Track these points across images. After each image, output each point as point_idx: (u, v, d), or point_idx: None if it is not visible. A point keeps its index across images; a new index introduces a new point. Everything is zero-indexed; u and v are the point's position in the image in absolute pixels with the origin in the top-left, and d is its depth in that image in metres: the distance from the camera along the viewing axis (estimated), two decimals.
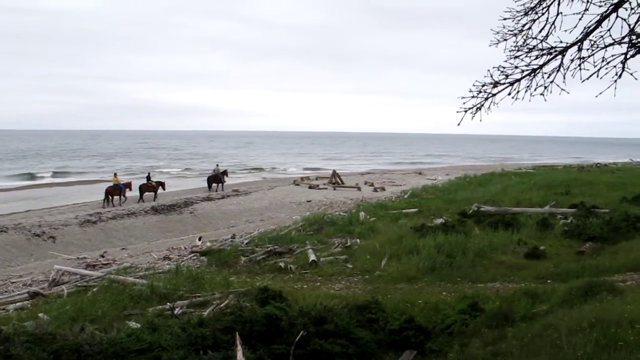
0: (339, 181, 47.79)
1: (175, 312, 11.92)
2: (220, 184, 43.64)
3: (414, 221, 22.56)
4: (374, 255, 17.24)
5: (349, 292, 13.69)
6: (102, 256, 21.39)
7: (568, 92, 5.08)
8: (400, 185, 46.86)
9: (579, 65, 4.95)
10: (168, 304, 12.47)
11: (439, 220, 22.05)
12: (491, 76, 5.29)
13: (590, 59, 4.88)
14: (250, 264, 17.58)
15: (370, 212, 26.43)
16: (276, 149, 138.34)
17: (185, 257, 19.65)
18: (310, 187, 44.78)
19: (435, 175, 58.68)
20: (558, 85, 5.15)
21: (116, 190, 35.80)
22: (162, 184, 39.44)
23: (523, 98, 5.31)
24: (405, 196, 34.94)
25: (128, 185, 37.46)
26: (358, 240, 19.88)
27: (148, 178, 39.77)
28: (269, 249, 18.88)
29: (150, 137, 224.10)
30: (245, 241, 21.15)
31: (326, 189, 44.32)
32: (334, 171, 49.92)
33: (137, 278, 15.37)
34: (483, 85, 5.32)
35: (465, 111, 5.37)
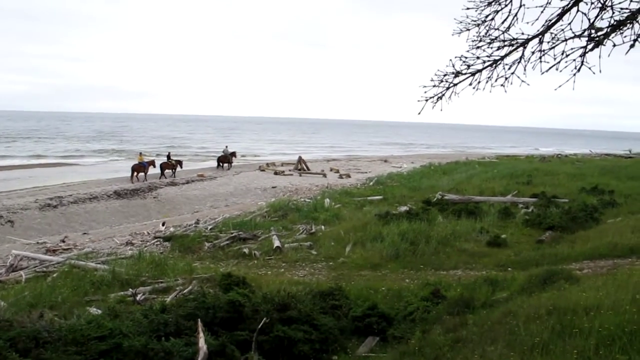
0: (305, 167, 47.77)
1: (138, 298, 11.84)
2: (229, 164, 48.17)
3: (378, 208, 22.71)
4: (338, 242, 17.34)
5: (312, 279, 13.77)
6: (63, 241, 21.02)
7: (528, 84, 5.14)
8: (366, 173, 47.08)
9: (540, 57, 5.02)
10: (130, 290, 12.38)
11: (403, 208, 22.26)
12: (453, 66, 5.32)
13: (551, 52, 4.95)
14: (214, 250, 17.52)
15: (335, 199, 26.53)
16: (247, 135, 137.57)
17: (148, 243, 19.47)
18: (275, 173, 44.67)
19: (400, 163, 59.08)
20: (518, 77, 5.21)
21: (141, 167, 39.37)
22: (180, 163, 43.46)
23: (484, 89, 5.35)
24: (371, 183, 35.15)
25: (152, 163, 41.10)
26: (323, 227, 19.95)
27: (168, 157, 44.62)
28: (233, 234, 18.83)
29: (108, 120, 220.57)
30: (210, 227, 21.04)
31: (292, 175, 44.25)
32: (300, 157, 49.89)
33: (99, 264, 15.19)
34: (445, 75, 5.34)
35: (426, 100, 5.40)
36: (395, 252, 15.58)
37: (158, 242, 19.37)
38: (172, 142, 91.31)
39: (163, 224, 23.04)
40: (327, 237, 18.16)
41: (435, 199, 24.60)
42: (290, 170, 46.52)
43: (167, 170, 41.68)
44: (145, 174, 39.57)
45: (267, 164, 51.76)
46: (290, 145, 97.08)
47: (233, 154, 50.06)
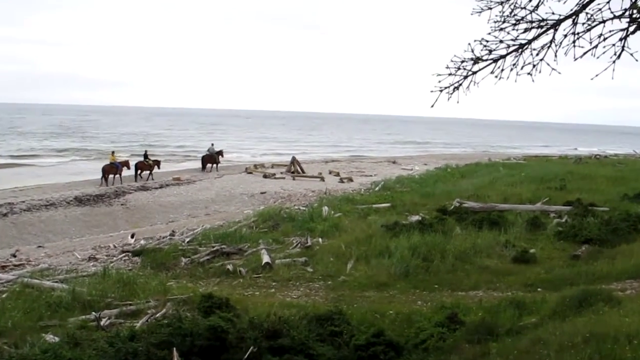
0: (299, 170, 47.78)
1: (102, 323, 11.82)
2: (215, 165, 48.63)
3: (385, 218, 22.70)
4: (338, 258, 17.33)
5: (308, 301, 13.76)
6: (14, 255, 20.98)
7: (559, 73, 5.13)
8: (371, 176, 47.06)
9: (573, 41, 5.01)
10: (93, 313, 12.35)
11: (415, 218, 22.27)
12: (472, 51, 5.29)
13: (586, 35, 4.95)
14: (192, 267, 17.50)
15: (335, 207, 26.54)
16: (234, 131, 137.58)
17: (114, 258, 19.44)
18: (265, 176, 44.66)
19: (411, 164, 59.09)
20: (548, 64, 5.19)
21: (113, 168, 39.64)
22: (158, 163, 44.06)
23: (508, 78, 5.34)
24: (376, 188, 35.17)
25: (125, 164, 41.30)
26: (320, 240, 19.95)
27: (145, 156, 44.56)
28: (214, 248, 18.82)
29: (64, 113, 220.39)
30: (187, 239, 21.03)
31: (284, 178, 44.25)
32: (294, 158, 49.89)
33: (56, 282, 15.15)
34: (462, 62, 5.32)
35: (441, 91, 5.38)
36: (405, 269, 15.59)
37: (126, 257, 19.34)
38: (146, 140, 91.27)
39: (132, 236, 23.03)
40: (325, 252, 18.15)
41: (452, 207, 24.60)
42: (282, 173, 46.52)
43: (144, 172, 42.09)
44: (120, 175, 39.91)
45: (255, 166, 51.77)
46: (284, 143, 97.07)
47: (220, 153, 50.39)
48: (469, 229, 20.18)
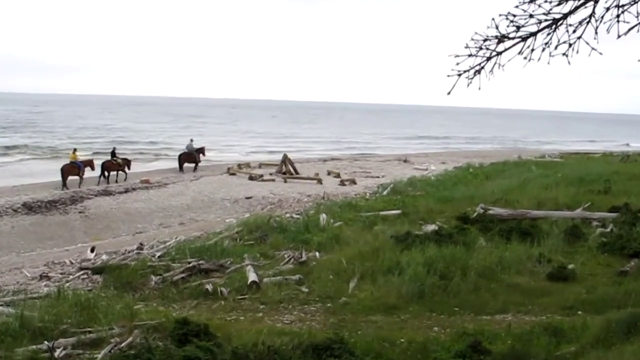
0: (292, 170, 47.78)
1: (56, 354, 11.80)
2: (195, 165, 49.54)
3: (395, 228, 22.68)
4: (339, 275, 17.33)
5: (303, 327, 13.73)
6: None
7: (600, 53, 5.10)
8: (378, 177, 47.12)
9: (617, 15, 4.99)
10: (45, 342, 12.33)
11: (430, 227, 22.27)
12: (496, 27, 5.26)
13: (632, 8, 4.94)
14: (164, 286, 17.47)
15: (335, 215, 26.55)
16: (216, 124, 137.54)
17: (71, 276, 19.41)
18: (251, 178, 44.66)
19: (426, 163, 59.19)
20: (587, 43, 5.16)
21: (74, 168, 40.19)
22: (128, 162, 44.79)
23: (539, 59, 5.31)
24: (384, 192, 35.18)
25: (89, 164, 42.03)
26: (317, 254, 19.94)
27: (113, 154, 44.95)
28: (191, 264, 18.77)
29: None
30: (158, 254, 20.98)
31: (273, 180, 44.28)
32: (285, 156, 49.79)
33: (1, 305, 15.11)
34: (485, 40, 5.29)
35: (459, 75, 5.37)
36: (418, 289, 15.58)
37: (85, 276, 19.32)
38: (109, 135, 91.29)
39: (92, 250, 22.99)
40: (323, 269, 18.14)
41: (475, 214, 24.62)
42: (271, 174, 46.54)
43: (112, 172, 42.68)
44: (81, 177, 40.15)
45: (240, 166, 51.77)
46: (275, 138, 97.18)
47: (201, 151, 50.96)
48: (496, 241, 20.20)
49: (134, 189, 38.79)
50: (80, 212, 31.89)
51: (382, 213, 27.03)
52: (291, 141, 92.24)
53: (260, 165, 53.53)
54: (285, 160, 48.84)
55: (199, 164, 50.12)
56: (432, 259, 17.15)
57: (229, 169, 49.46)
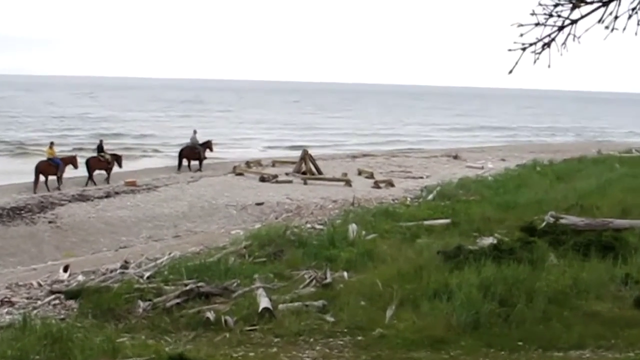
0: (314, 169, 47.70)
1: None
2: (199, 162, 50.80)
3: (443, 241, 22.63)
4: (372, 301, 17.31)
5: None
6: None
7: None
8: (421, 178, 47.08)
9: None
10: None
11: (488, 241, 22.22)
12: None
13: None
14: (154, 314, 17.51)
15: (368, 225, 26.54)
16: (220, 111, 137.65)
17: (39, 302, 19.43)
18: (262, 179, 44.66)
19: (481, 160, 59.05)
20: None
21: (51, 167, 41.10)
22: (118, 159, 45.79)
23: (625, 28, 5.28)
24: (429, 197, 35.14)
25: (70, 161, 42.66)
26: (345, 274, 19.93)
27: (100, 149, 45.69)
28: (187, 287, 18.82)
29: None
30: (147, 273, 21.00)
31: (290, 182, 44.34)
32: (305, 152, 49.60)
33: None
34: (556, 6, 5.25)
35: (523, 49, 5.34)
36: (472, 317, 15.53)
37: (57, 301, 19.33)
38: (88, 126, 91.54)
39: (65, 269, 23.08)
40: (352, 293, 18.13)
41: (543, 224, 24.51)
42: (288, 174, 46.51)
43: (97, 171, 43.38)
44: (60, 178, 41.02)
45: (248, 164, 51.72)
46: (293, 130, 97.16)
47: (207, 145, 51.60)
48: (569, 257, 20.03)
49: (116, 193, 38.90)
50: (50, 222, 32.02)
51: (426, 223, 27.01)
52: (315, 133, 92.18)
53: (274, 163, 53.52)
54: (305, 156, 48.61)
55: (204, 161, 50.67)
56: (490, 280, 17.05)
57: (235, 167, 49.41)
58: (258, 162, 53.41)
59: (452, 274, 18.03)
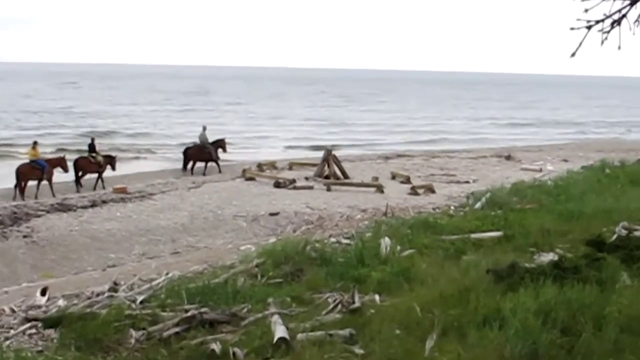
0: (338, 172, 47.71)
1: None
2: (213, 163, 51.39)
3: (493, 257, 22.57)
4: (409, 330, 17.21)
5: None
6: None
7: None
8: (467, 183, 47.08)
9: None
10: None
11: (547, 257, 22.12)
12: None
13: None
14: (149, 346, 17.54)
15: (404, 239, 26.49)
16: (229, 103, 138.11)
17: (12, 330, 19.52)
18: (277, 185, 44.73)
19: (539, 161, 58.99)
20: None
21: (34, 170, 41.19)
22: (111, 160, 46.02)
23: None
24: (477, 205, 35.08)
25: (58, 164, 43.13)
26: (377, 298, 19.86)
27: (91, 149, 46.45)
28: (189, 314, 18.84)
29: None
30: (141, 297, 21.09)
31: (311, 188, 44.41)
32: (329, 152, 49.62)
33: None
34: None
35: (589, 27, 5.32)
36: (530, 349, 15.43)
37: (34, 330, 19.40)
38: (66, 122, 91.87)
39: (43, 293, 23.13)
40: (385, 320, 18.05)
41: (614, 237, 24.39)
42: (308, 179, 46.57)
43: (88, 175, 44.10)
44: (49, 182, 41.20)
45: (261, 166, 51.83)
46: (315, 126, 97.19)
47: (220, 145, 52.64)
48: None
49: (104, 202, 38.99)
50: (25, 237, 32.08)
51: (473, 236, 26.96)
52: (342, 130, 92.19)
53: (292, 165, 53.62)
54: (329, 158, 48.68)
55: (211, 163, 51.35)
56: (550, 304, 16.93)
57: (244, 171, 49.46)
58: (272, 165, 53.51)
59: (504, 297, 17.89)
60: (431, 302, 18.51)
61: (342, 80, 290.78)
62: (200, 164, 50.82)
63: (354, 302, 19.40)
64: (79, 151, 52.25)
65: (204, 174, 49.81)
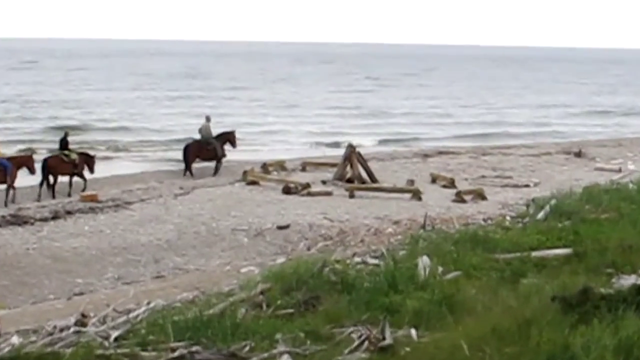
0: (364, 174, 47.72)
1: None
2: (217, 162, 52.42)
3: (560, 281, 22.56)
4: None
5: None
6: None
7: None
8: (526, 187, 47.10)
9: None
10: None
11: (629, 280, 22.05)
12: None
13: None
14: None
15: (447, 258, 26.50)
16: (231, 91, 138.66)
17: None
18: (287, 191, 44.81)
19: (618, 159, 58.93)
20: None
21: None
22: (88, 160, 46.76)
23: None
24: (539, 215, 34.99)
25: (24, 163, 44.15)
26: (413, 332, 19.83)
27: (63, 145, 47.36)
28: (176, 353, 18.86)
29: None
30: (115, 333, 21.08)
31: (330, 194, 44.50)
32: (352, 150, 49.50)
33: None
34: None
35: None
36: None
37: None
38: (24, 112, 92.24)
39: None
40: (424, 359, 18.07)
41: None
42: (325, 183, 46.64)
43: (59, 177, 44.24)
44: (11, 186, 42.25)
45: (266, 167, 51.89)
46: (337, 117, 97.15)
47: (228, 138, 53.52)
48: None
49: (68, 213, 39.08)
50: None
51: (535, 254, 26.91)
52: (371, 123, 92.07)
53: (305, 166, 53.62)
54: (352, 156, 48.55)
55: (216, 162, 52.11)
56: (632, 340, 16.92)
57: (245, 173, 49.47)
58: (280, 165, 53.54)
59: (574, 331, 17.81)
60: (482, 337, 18.42)
61: (367, 58, 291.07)
62: (206, 163, 50.99)
63: (384, 338, 19.34)
64: (48, 150, 52.64)
65: (213, 175, 50.69)
